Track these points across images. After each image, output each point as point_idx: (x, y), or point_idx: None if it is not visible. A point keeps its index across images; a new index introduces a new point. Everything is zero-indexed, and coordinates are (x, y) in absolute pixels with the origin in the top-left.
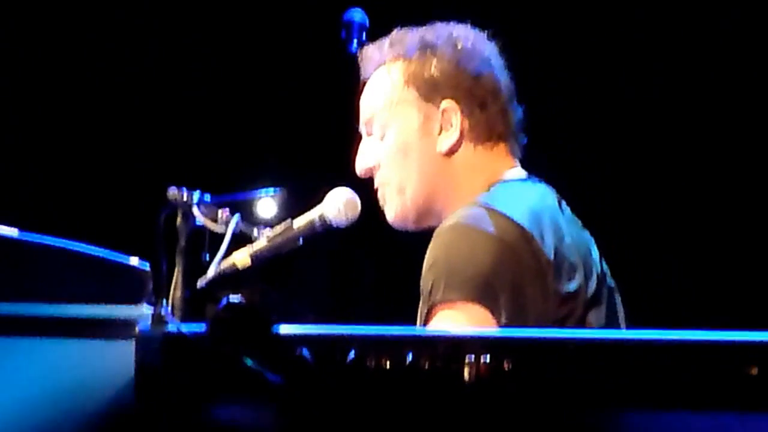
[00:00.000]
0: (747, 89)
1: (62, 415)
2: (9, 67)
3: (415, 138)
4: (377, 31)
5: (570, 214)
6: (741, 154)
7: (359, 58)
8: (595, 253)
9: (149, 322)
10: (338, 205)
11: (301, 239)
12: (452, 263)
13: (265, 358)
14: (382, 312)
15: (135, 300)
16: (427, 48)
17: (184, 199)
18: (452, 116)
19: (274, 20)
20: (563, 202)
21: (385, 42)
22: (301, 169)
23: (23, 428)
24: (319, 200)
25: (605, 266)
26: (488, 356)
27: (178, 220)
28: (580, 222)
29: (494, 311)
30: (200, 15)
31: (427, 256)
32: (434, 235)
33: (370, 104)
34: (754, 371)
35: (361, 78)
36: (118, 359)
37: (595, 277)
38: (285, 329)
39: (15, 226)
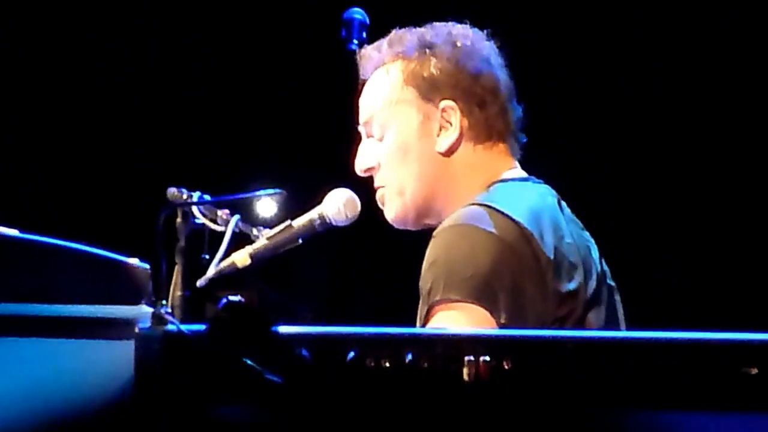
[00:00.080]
0: (747, 89)
1: (62, 415)
2: (9, 68)
3: (414, 138)
4: (377, 30)
5: (570, 214)
6: (741, 155)
7: (358, 59)
8: (595, 253)
9: (149, 322)
10: (338, 205)
11: (300, 239)
12: (452, 263)
13: (265, 358)
14: (381, 312)
15: (135, 300)
16: (425, 47)
17: (184, 199)
18: (451, 115)
19: (274, 20)
20: (563, 202)
21: (384, 42)
22: (301, 169)
23: (23, 428)
24: (319, 200)
25: (605, 266)
26: (487, 356)
27: (178, 220)
28: (579, 222)
29: (493, 311)
30: (200, 15)
31: (426, 255)
32: (434, 234)
33: (370, 104)
34: (754, 371)
35: (361, 78)
36: (118, 359)
37: (594, 276)
38: (284, 329)
39: (15, 226)
